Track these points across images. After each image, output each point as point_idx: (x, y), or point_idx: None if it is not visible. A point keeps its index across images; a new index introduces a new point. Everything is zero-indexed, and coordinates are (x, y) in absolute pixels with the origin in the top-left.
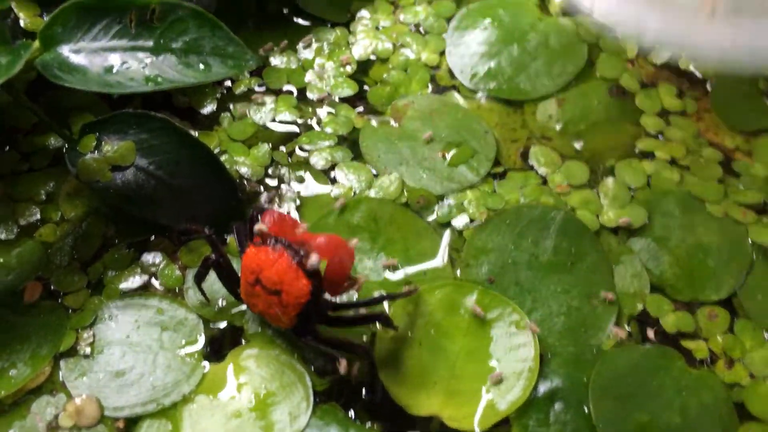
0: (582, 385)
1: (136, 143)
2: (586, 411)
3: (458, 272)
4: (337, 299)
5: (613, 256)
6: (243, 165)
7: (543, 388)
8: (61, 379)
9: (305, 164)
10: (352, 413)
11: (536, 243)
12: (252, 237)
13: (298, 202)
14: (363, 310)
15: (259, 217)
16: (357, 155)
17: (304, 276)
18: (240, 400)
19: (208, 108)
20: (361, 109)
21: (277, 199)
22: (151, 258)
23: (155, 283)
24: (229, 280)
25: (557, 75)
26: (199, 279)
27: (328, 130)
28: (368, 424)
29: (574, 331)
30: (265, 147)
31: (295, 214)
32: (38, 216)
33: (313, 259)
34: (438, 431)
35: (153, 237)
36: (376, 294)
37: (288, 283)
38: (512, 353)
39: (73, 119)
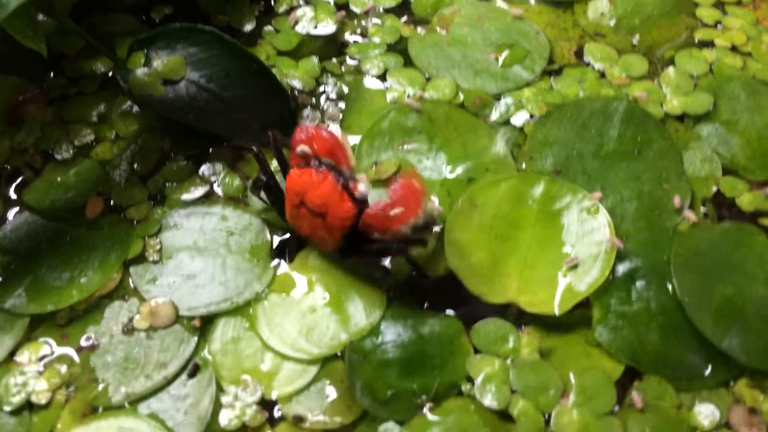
0: (662, 264)
1: (186, 57)
2: (669, 288)
3: (523, 166)
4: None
5: (681, 143)
6: (293, 77)
7: (622, 268)
8: (132, 285)
9: (357, 72)
10: (427, 305)
11: (600, 133)
12: (287, 159)
13: (349, 109)
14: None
15: (301, 137)
16: (408, 63)
17: (348, 199)
18: (313, 297)
19: (248, 26)
20: (405, 18)
21: (327, 110)
22: (211, 169)
23: (217, 191)
24: (278, 200)
25: None
26: (257, 192)
27: (376, 39)
28: (447, 313)
29: (647, 215)
30: (314, 59)
31: (346, 124)
32: (92, 136)
33: (362, 188)
34: (516, 315)
35: (211, 149)
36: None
37: (333, 206)
38: (586, 238)
39: (117, 43)
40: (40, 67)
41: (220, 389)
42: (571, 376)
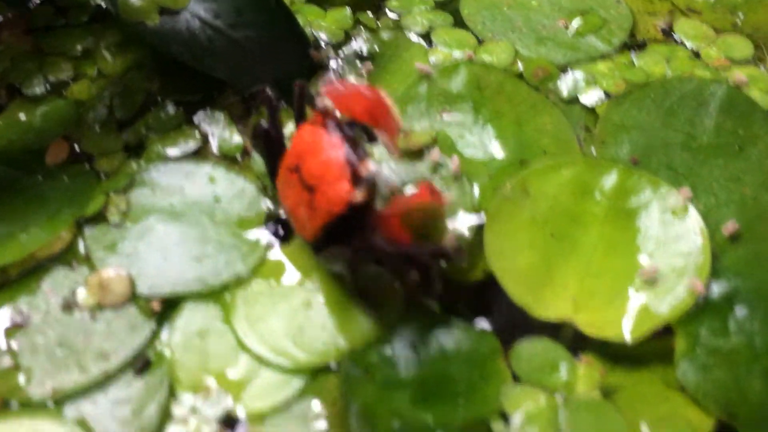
0: None
1: None
2: None
3: (592, 152)
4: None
5: None
6: (319, 27)
7: (717, 289)
8: (83, 250)
9: (396, 28)
10: (456, 314)
11: (692, 122)
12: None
13: (381, 69)
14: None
15: (330, 90)
16: (458, 24)
17: (348, 179)
18: (310, 289)
19: None
20: None
21: (355, 66)
22: (209, 118)
23: (211, 148)
24: (273, 157)
25: None
26: (253, 141)
27: None
28: (481, 326)
29: (752, 225)
30: (347, 9)
31: (376, 84)
32: (71, 73)
33: (367, 169)
34: (572, 338)
35: (213, 96)
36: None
37: (327, 182)
38: (669, 246)
39: None
40: None
41: (173, 396)
42: (643, 426)
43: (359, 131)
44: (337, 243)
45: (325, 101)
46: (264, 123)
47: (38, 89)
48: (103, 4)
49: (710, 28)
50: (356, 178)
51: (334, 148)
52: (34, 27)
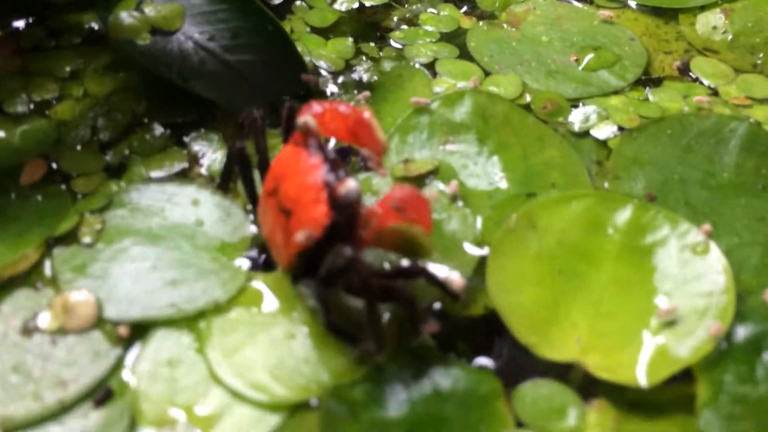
0: None
1: (187, 9)
2: None
3: (605, 185)
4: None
5: None
6: (320, 56)
7: (742, 333)
8: (51, 271)
9: (399, 59)
10: (454, 351)
11: (711, 159)
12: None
13: (381, 98)
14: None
15: (311, 110)
16: (464, 56)
17: (325, 202)
18: (294, 319)
19: None
20: (466, 10)
21: (354, 95)
22: (200, 139)
23: (199, 170)
24: (250, 179)
25: None
26: (230, 161)
27: (429, 27)
28: (480, 365)
29: None
30: (349, 39)
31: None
32: (57, 93)
33: (346, 189)
34: (582, 382)
35: (208, 116)
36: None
37: (303, 206)
38: (689, 286)
39: None
40: (16, 11)
41: (134, 430)
42: None
43: (342, 152)
44: (315, 272)
45: (306, 120)
46: (240, 143)
47: (21, 108)
48: (95, 26)
49: (729, 67)
50: (334, 201)
51: (312, 169)
52: (23, 48)
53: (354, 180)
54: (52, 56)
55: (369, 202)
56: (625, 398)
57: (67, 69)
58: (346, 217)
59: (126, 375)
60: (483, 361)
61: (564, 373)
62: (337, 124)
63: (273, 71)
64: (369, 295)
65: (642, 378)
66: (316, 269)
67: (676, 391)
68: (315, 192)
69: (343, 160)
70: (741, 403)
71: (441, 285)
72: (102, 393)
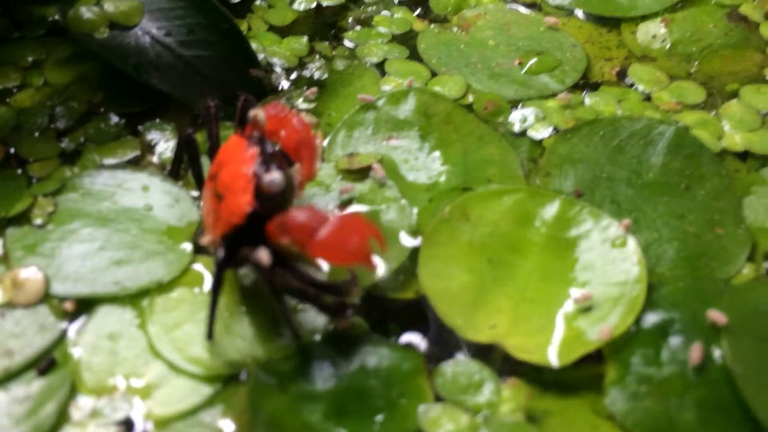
0: (708, 320)
1: (145, 5)
2: (716, 352)
3: (537, 182)
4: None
5: (741, 186)
6: (274, 53)
7: (651, 319)
8: (2, 250)
9: (351, 57)
10: (385, 333)
11: (639, 159)
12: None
13: (330, 94)
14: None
15: (270, 112)
16: (413, 57)
17: (251, 192)
18: (232, 298)
19: None
20: (419, 13)
21: (304, 90)
22: (154, 129)
23: (151, 158)
24: (197, 165)
25: None
26: (176, 163)
27: (382, 29)
28: (407, 345)
29: (692, 261)
30: (303, 38)
31: (324, 107)
32: (18, 82)
33: (269, 179)
34: (501, 362)
35: (162, 107)
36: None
37: (232, 193)
38: (606, 276)
39: None
40: None
41: (74, 398)
42: None
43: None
44: (233, 255)
45: (257, 114)
46: (189, 129)
47: None
48: (58, 18)
49: (665, 75)
50: (258, 191)
51: (247, 160)
52: None
53: (279, 173)
54: (15, 46)
55: (318, 195)
56: (541, 378)
57: (30, 59)
58: (267, 208)
59: (70, 347)
60: (411, 340)
61: (485, 354)
62: (287, 134)
63: (227, 66)
64: (272, 290)
65: (554, 358)
66: (235, 254)
67: (587, 371)
68: (245, 182)
69: (284, 157)
70: (646, 383)
71: (327, 310)
72: (45, 362)
